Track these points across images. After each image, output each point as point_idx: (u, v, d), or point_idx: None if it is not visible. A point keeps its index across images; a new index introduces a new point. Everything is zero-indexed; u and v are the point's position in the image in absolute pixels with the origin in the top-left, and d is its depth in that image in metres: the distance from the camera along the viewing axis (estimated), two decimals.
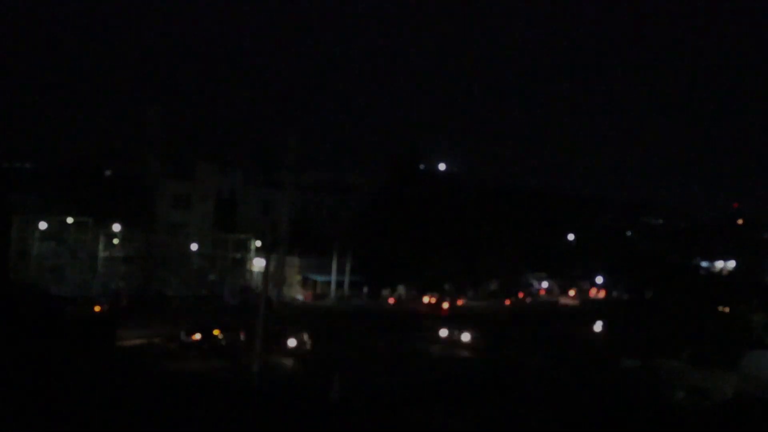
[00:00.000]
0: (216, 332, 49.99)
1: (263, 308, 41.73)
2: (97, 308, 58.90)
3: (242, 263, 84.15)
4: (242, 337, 49.07)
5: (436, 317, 73.78)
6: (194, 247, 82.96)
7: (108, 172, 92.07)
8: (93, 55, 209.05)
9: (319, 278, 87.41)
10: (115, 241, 79.22)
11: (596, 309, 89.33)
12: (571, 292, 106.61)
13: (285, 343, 50.17)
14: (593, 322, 72.40)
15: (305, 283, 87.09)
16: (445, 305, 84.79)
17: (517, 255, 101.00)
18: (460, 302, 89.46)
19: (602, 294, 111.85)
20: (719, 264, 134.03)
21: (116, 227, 78.63)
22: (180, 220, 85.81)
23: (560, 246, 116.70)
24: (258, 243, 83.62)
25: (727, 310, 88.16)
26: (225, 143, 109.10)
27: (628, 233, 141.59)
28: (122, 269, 76.76)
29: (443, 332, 61.40)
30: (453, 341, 59.90)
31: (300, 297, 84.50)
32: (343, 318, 70.68)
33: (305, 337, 51.83)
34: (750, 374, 42.50)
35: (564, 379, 47.00)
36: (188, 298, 72.63)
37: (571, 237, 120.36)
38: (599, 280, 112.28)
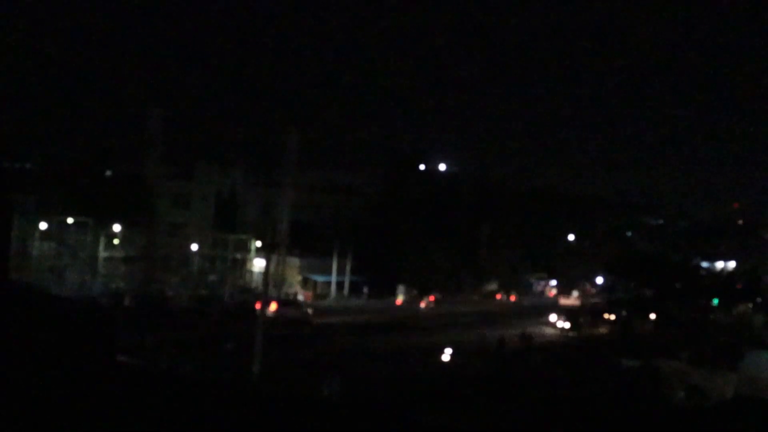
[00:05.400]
0: None
1: (263, 308, 41.75)
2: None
3: (242, 263, 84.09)
4: None
5: None
6: (194, 247, 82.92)
7: (108, 172, 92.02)
8: (93, 55, 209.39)
9: (319, 278, 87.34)
10: (115, 241, 79.12)
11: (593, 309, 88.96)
12: (575, 293, 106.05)
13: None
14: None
15: (305, 283, 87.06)
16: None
17: (516, 255, 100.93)
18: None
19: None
20: (719, 264, 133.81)
21: (116, 227, 78.53)
22: (180, 220, 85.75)
23: (560, 246, 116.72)
24: (258, 243, 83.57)
25: (727, 310, 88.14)
26: (225, 143, 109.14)
27: (628, 233, 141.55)
28: (122, 269, 76.64)
29: None
30: None
31: (300, 297, 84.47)
32: None
33: None
34: (750, 374, 42.44)
35: (564, 379, 46.96)
36: (188, 298, 72.62)
37: (571, 237, 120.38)
38: (599, 280, 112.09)
